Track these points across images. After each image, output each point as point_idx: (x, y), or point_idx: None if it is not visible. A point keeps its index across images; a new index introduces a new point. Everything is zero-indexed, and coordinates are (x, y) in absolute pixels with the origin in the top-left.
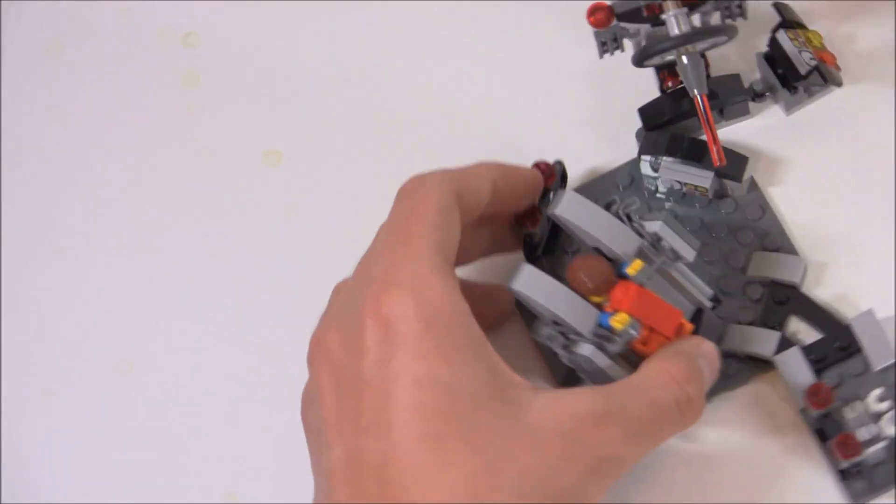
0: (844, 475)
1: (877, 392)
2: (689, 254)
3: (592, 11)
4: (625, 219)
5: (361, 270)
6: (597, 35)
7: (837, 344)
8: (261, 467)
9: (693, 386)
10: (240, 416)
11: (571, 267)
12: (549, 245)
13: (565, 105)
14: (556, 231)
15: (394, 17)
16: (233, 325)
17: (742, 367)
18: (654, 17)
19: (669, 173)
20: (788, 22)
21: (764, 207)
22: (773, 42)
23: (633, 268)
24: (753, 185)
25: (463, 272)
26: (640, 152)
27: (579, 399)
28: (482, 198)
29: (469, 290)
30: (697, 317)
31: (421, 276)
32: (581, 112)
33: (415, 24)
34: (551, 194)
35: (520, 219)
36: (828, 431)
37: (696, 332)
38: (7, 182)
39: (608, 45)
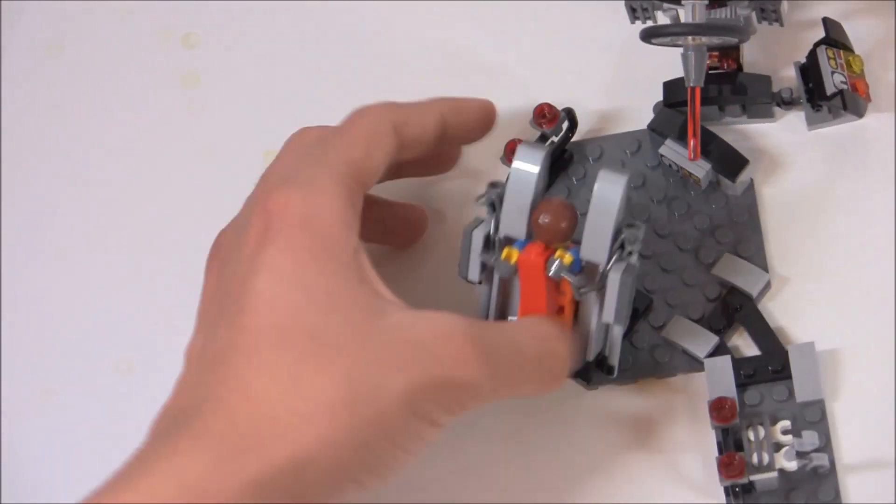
0: (729, 492)
1: (785, 423)
2: (607, 316)
3: None
4: (619, 237)
5: (267, 175)
6: (626, 1)
7: (771, 366)
8: None
9: (559, 343)
10: None
11: (548, 199)
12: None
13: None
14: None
15: (396, 13)
16: None
17: (675, 359)
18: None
19: (671, 154)
20: (833, 40)
21: (751, 212)
22: (812, 56)
23: (561, 255)
24: (751, 187)
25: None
26: (650, 125)
27: (442, 318)
28: (427, 131)
29: (384, 207)
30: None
31: (316, 181)
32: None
33: (416, 23)
34: (553, 138)
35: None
36: (723, 446)
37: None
38: (7, 182)
39: (639, 12)
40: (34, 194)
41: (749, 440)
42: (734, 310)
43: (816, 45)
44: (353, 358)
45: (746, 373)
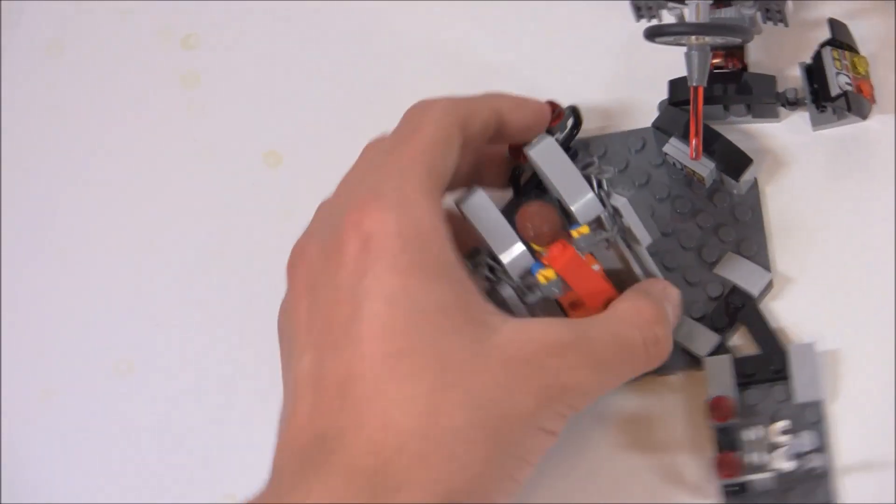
0: (726, 491)
1: (783, 424)
2: (644, 238)
3: None
4: (594, 183)
5: (347, 185)
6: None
7: (772, 366)
8: (261, 468)
9: (660, 327)
10: (240, 416)
11: (522, 210)
12: (540, 184)
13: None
14: None
15: (397, 14)
16: (233, 326)
17: (675, 357)
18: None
19: (675, 153)
20: (838, 41)
21: (755, 211)
22: (817, 56)
23: (579, 231)
24: (754, 187)
25: None
26: (655, 123)
27: (546, 328)
28: (487, 127)
29: (455, 219)
30: None
31: (406, 194)
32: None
33: (417, 23)
34: (558, 135)
35: (513, 150)
36: (721, 445)
37: None
38: (7, 182)
39: (643, 10)
40: (34, 194)
41: (747, 440)
42: (736, 309)
43: (822, 45)
44: (479, 383)
45: (747, 372)
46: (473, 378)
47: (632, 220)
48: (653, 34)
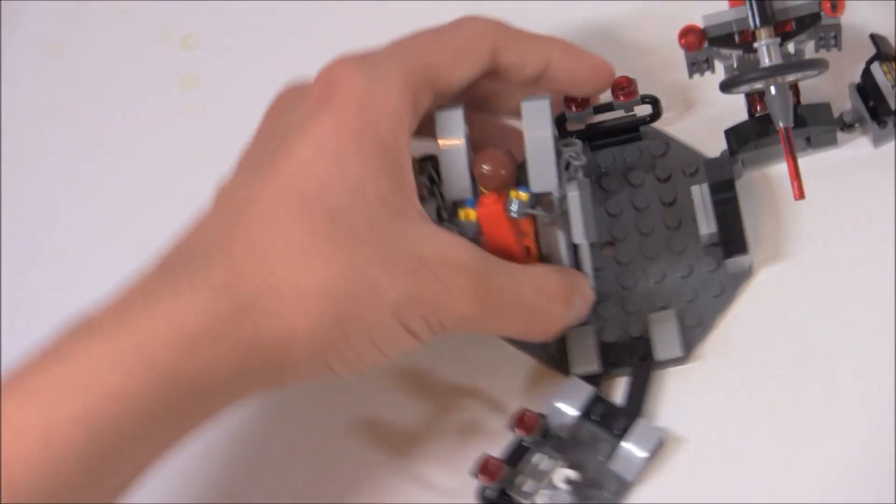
0: (481, 496)
1: (573, 474)
2: (577, 235)
3: (684, 33)
4: (563, 162)
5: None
6: (687, 56)
7: (617, 424)
8: (263, 467)
9: (560, 306)
10: (239, 417)
11: (485, 148)
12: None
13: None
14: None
15: (398, 14)
16: None
17: (547, 345)
18: (747, 44)
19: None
20: (884, 55)
21: (724, 293)
22: (867, 73)
23: (518, 195)
24: (744, 274)
25: None
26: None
27: (458, 245)
28: (527, 63)
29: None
30: None
31: (386, 71)
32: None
33: (418, 24)
34: (622, 111)
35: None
36: (508, 452)
37: None
38: (7, 182)
39: (699, 65)
40: (34, 195)
41: (534, 463)
42: (638, 356)
43: (870, 61)
44: (360, 253)
45: (595, 412)
46: (357, 246)
47: (574, 212)
48: (730, 86)
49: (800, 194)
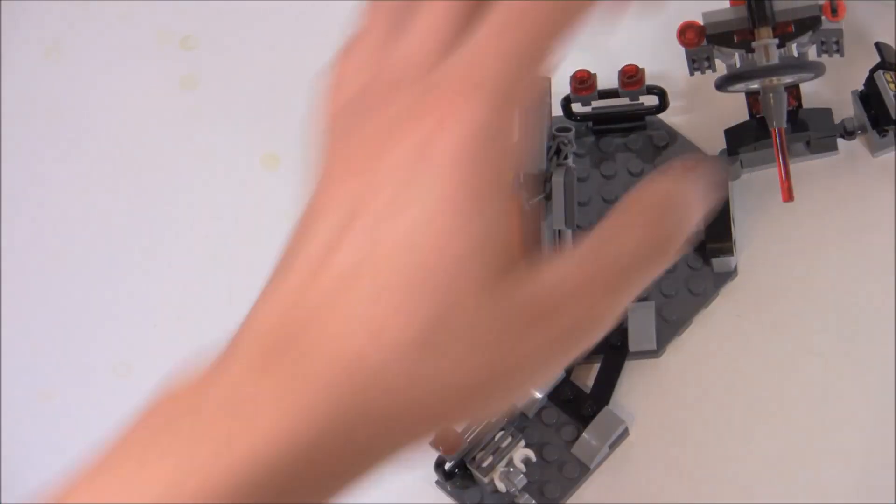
0: (439, 469)
1: (529, 453)
2: (556, 219)
3: (683, 31)
4: (553, 145)
5: None
6: (687, 53)
7: (584, 410)
8: None
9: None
10: None
11: None
12: None
13: None
14: None
15: None
16: (232, 328)
17: None
18: (745, 44)
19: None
20: (888, 63)
21: (696, 298)
22: (870, 82)
23: None
24: (727, 275)
25: None
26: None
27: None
28: None
29: None
30: None
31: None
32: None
33: None
34: (627, 99)
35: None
36: (465, 428)
37: None
38: (7, 183)
39: (699, 63)
40: (33, 196)
41: (496, 439)
42: (612, 345)
43: (873, 70)
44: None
45: (564, 396)
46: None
47: (556, 196)
48: (724, 84)
49: (788, 196)
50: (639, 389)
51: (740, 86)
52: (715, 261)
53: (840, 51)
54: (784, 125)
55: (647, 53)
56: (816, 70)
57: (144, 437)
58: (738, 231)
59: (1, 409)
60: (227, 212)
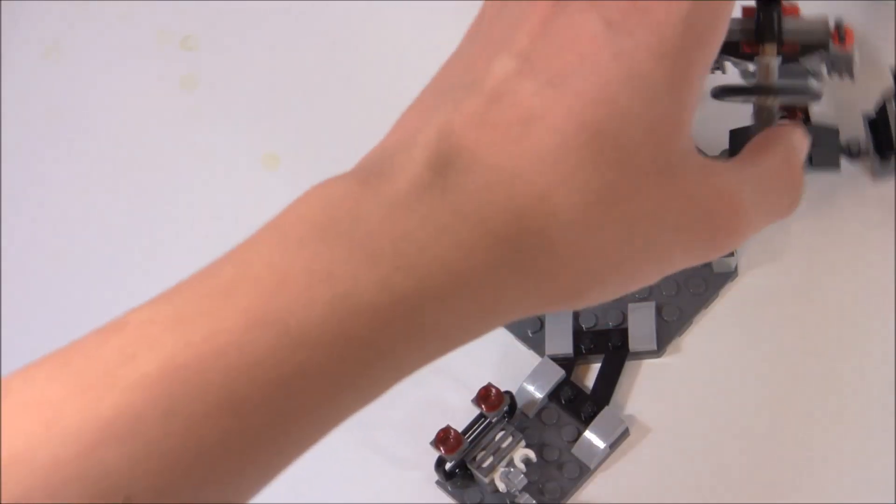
0: (439, 468)
1: (530, 454)
2: None
3: None
4: None
5: None
6: None
7: (584, 410)
8: None
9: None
10: None
11: None
12: None
13: None
14: None
15: (398, 15)
16: None
17: (524, 325)
18: (751, 56)
19: None
20: None
21: (705, 290)
22: (881, 108)
23: None
24: (729, 274)
25: None
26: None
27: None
28: None
29: None
30: None
31: None
32: None
33: (419, 25)
34: None
35: None
36: (468, 427)
37: None
38: (7, 184)
39: None
40: (33, 197)
41: (496, 439)
42: (610, 344)
43: (887, 98)
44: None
45: (566, 396)
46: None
47: None
48: (720, 94)
49: None
50: (639, 390)
51: (738, 98)
52: (715, 261)
53: (851, 76)
54: None
55: None
56: (809, 94)
57: (302, 231)
58: None
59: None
60: (227, 212)
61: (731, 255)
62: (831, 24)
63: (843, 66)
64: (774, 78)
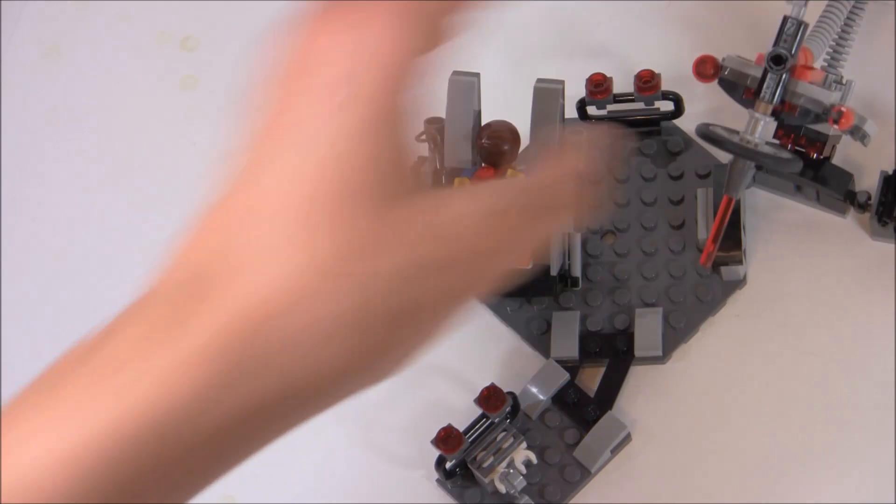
0: (439, 467)
1: (531, 456)
2: (567, 227)
3: (700, 63)
4: None
5: None
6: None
7: (587, 414)
8: (260, 469)
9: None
10: None
11: (492, 123)
12: None
13: None
14: None
15: None
16: None
17: (531, 324)
18: (748, 102)
19: None
20: None
21: (712, 297)
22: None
23: (513, 172)
24: (735, 283)
25: None
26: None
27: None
28: None
29: None
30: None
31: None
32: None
33: None
34: (641, 104)
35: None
36: (471, 427)
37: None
38: (7, 185)
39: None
40: (33, 197)
41: (497, 439)
42: (616, 349)
43: None
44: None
45: (569, 399)
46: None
47: None
48: (704, 136)
49: (705, 261)
50: (643, 395)
51: (717, 147)
52: (724, 269)
53: (863, 141)
54: (737, 197)
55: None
56: (787, 167)
57: (46, 384)
58: (749, 240)
59: (1, 409)
60: None
61: (741, 262)
62: (837, 100)
63: (854, 134)
64: (758, 135)
